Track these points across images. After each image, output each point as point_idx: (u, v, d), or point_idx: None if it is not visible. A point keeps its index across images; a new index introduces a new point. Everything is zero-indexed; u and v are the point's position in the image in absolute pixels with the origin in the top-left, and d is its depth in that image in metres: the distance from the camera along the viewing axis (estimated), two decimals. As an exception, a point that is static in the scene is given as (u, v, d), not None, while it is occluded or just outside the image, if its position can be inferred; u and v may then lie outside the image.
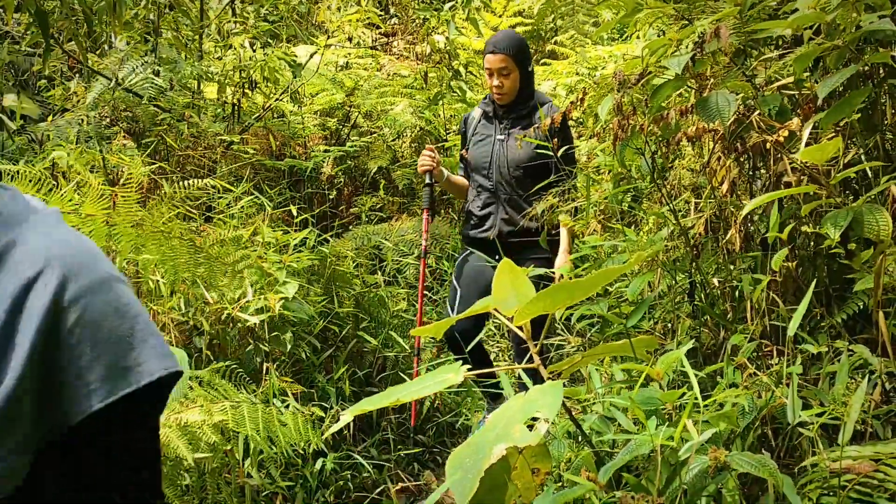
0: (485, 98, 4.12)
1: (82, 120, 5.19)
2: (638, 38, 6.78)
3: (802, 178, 2.61)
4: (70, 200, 2.94)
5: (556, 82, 7.39)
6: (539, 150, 3.81)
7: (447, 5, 5.86)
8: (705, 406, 2.16)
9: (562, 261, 3.90)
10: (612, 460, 2.08)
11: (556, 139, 3.65)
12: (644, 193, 4.47)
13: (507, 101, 3.95)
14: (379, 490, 3.80)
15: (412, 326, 4.65)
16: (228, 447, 2.89)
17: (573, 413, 2.96)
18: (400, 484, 3.73)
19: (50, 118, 5.43)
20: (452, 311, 4.08)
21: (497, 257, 3.83)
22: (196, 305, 3.71)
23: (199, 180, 3.16)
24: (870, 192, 2.25)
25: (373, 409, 1.86)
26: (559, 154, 3.72)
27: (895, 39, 2.44)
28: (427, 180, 4.13)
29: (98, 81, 5.14)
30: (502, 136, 3.99)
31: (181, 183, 3.54)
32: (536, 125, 3.91)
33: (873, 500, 1.85)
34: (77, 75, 5.97)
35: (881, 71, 2.58)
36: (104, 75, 5.16)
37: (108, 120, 5.48)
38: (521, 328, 1.87)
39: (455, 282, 4.15)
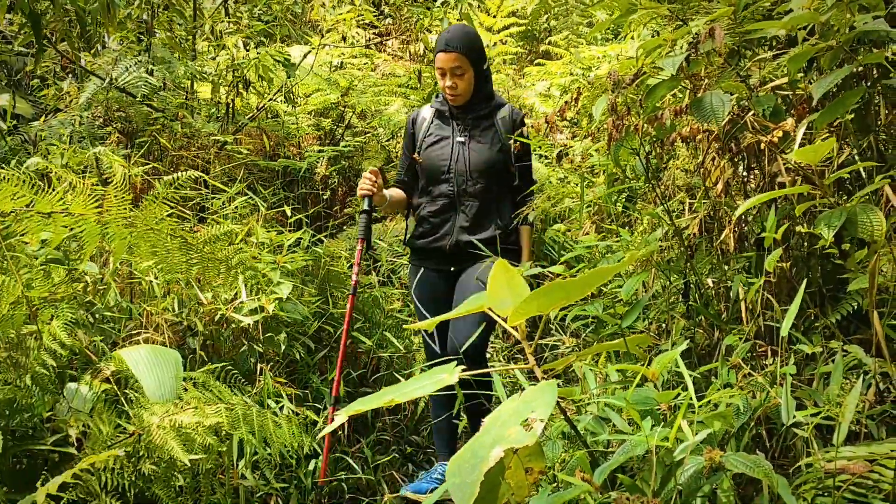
0: (437, 96, 3.80)
1: (75, 120, 5.17)
2: (633, 38, 6.80)
3: (796, 178, 2.61)
4: (61, 201, 2.93)
5: (551, 82, 7.39)
6: (504, 154, 3.67)
7: (439, 1, 5.86)
8: (700, 406, 2.16)
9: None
10: (606, 461, 2.08)
11: (518, 143, 3.57)
12: (638, 194, 4.48)
13: (462, 103, 3.66)
14: (367, 485, 3.79)
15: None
16: (223, 448, 2.89)
17: (568, 413, 2.96)
18: (389, 496, 3.72)
19: (42, 118, 5.42)
20: (434, 340, 3.78)
21: (451, 268, 3.74)
22: (190, 306, 3.70)
23: (189, 172, 3.13)
24: (863, 192, 2.25)
25: (366, 409, 1.86)
26: (521, 162, 3.68)
27: (889, 40, 2.44)
28: (365, 206, 3.68)
29: (91, 81, 5.12)
30: (462, 139, 3.68)
31: (173, 176, 3.53)
32: (499, 127, 3.69)
33: (868, 501, 1.85)
34: (70, 75, 5.96)
35: (875, 71, 2.58)
36: (97, 75, 5.15)
37: (101, 120, 5.47)
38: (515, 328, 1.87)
39: (421, 307, 3.82)
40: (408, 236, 3.90)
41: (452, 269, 3.73)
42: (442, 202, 3.70)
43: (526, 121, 3.77)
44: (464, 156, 3.65)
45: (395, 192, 3.83)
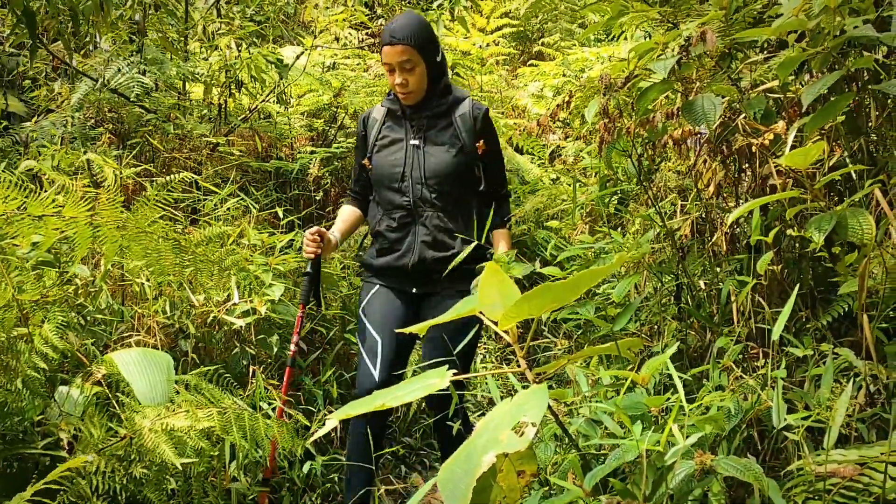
0: (388, 94, 3.33)
1: (67, 121, 5.15)
2: (625, 39, 6.81)
3: (787, 180, 2.62)
4: (52, 202, 2.92)
5: (544, 83, 7.40)
6: (466, 156, 3.22)
7: (434, 4, 5.86)
8: (691, 409, 2.17)
9: None
10: (598, 463, 2.09)
11: (481, 141, 3.22)
12: (630, 196, 4.49)
13: (415, 101, 3.19)
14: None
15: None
16: (215, 452, 2.88)
17: (560, 415, 2.96)
18: (384, 487, 3.72)
19: (34, 119, 5.40)
20: (375, 365, 3.21)
21: (415, 290, 3.29)
22: (182, 308, 3.70)
23: (181, 174, 3.13)
24: (853, 196, 2.26)
25: (357, 413, 1.86)
26: (487, 162, 3.29)
27: (879, 43, 2.45)
28: (308, 268, 3.32)
29: (83, 82, 5.11)
30: (417, 141, 3.21)
31: (165, 179, 3.52)
32: (458, 125, 3.22)
33: (858, 504, 1.86)
34: (61, 76, 5.94)
35: (865, 75, 2.59)
36: (89, 76, 5.13)
37: (92, 121, 5.45)
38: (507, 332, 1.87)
39: (370, 328, 3.28)
40: (363, 253, 3.50)
41: (416, 290, 3.29)
42: (398, 215, 3.23)
43: (492, 113, 3.50)
44: (419, 160, 3.19)
45: (342, 225, 3.42)
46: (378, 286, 3.32)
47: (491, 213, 3.24)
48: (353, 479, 3.24)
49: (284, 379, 3.29)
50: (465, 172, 3.22)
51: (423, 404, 4.43)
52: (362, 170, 3.36)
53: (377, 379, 3.13)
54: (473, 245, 3.07)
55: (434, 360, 3.07)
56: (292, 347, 3.31)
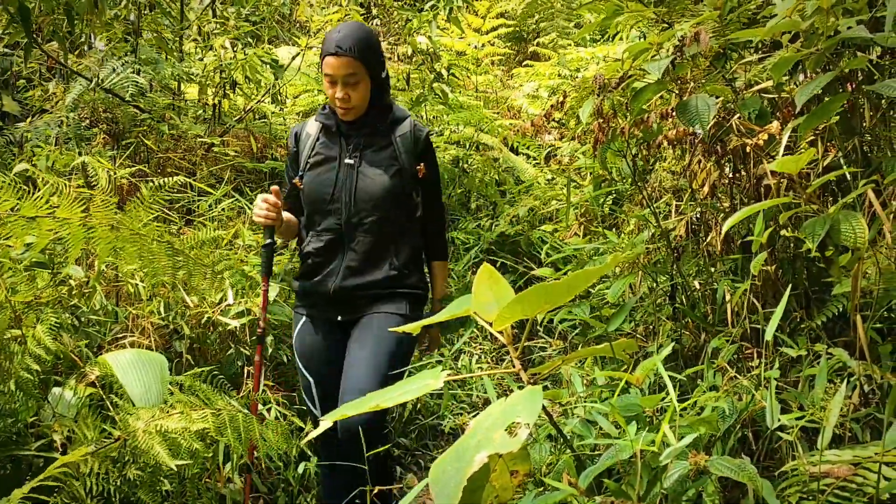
0: (323, 107, 3.08)
1: (61, 121, 5.15)
2: (621, 39, 6.82)
3: (782, 181, 2.62)
4: (46, 203, 2.91)
5: (539, 83, 7.40)
6: (404, 179, 3.01)
7: (428, 4, 5.86)
8: (685, 410, 2.17)
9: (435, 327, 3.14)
10: (593, 464, 2.09)
11: (421, 165, 3.03)
12: (625, 196, 4.49)
13: (355, 117, 2.96)
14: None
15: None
16: (209, 454, 2.88)
17: (555, 415, 2.96)
18: (378, 487, 3.72)
19: (28, 119, 5.39)
20: (315, 405, 3.08)
21: (339, 318, 3.03)
22: (176, 309, 3.69)
23: (173, 178, 3.11)
24: (845, 199, 2.26)
25: (352, 414, 1.86)
26: (426, 188, 3.09)
27: (872, 44, 2.46)
28: (266, 238, 3.02)
29: (77, 82, 5.10)
30: (352, 160, 2.97)
31: (159, 181, 3.51)
32: (397, 145, 3.01)
33: (852, 504, 1.86)
34: (56, 76, 5.93)
35: (859, 75, 2.60)
36: (84, 76, 5.12)
37: (87, 121, 5.44)
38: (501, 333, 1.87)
39: (301, 367, 3.10)
40: (291, 276, 3.23)
41: (340, 318, 3.03)
42: (327, 238, 2.99)
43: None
44: (352, 181, 2.95)
45: (288, 217, 3.11)
46: (304, 318, 3.09)
47: (429, 241, 3.16)
48: None
49: (256, 359, 3.05)
50: (402, 196, 3.00)
51: (419, 405, 4.43)
52: (292, 189, 3.06)
53: (319, 415, 3.02)
54: (403, 270, 2.99)
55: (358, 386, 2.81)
56: (260, 324, 3.05)
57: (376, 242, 2.95)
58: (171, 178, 2.98)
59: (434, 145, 3.24)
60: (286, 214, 3.05)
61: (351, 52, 2.81)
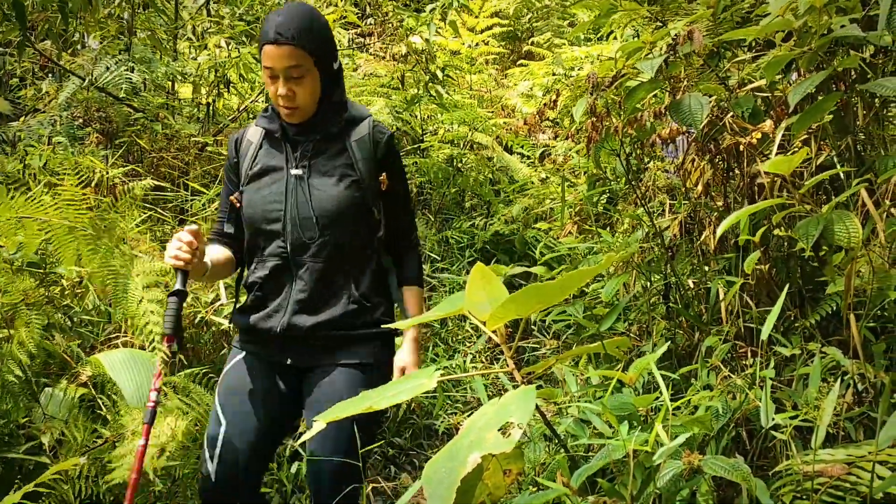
0: (265, 110, 2.55)
1: (54, 121, 5.13)
2: (615, 38, 6.82)
3: (776, 179, 2.62)
4: (40, 203, 2.91)
5: (533, 82, 7.40)
6: (363, 192, 2.43)
7: (428, 7, 5.85)
8: (679, 409, 2.17)
9: (410, 359, 2.50)
10: (587, 463, 2.08)
11: (383, 174, 2.48)
12: (619, 195, 4.49)
13: (302, 119, 2.43)
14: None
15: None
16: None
17: (549, 415, 2.96)
18: (372, 484, 3.71)
19: (22, 119, 5.37)
20: (213, 458, 2.35)
21: (288, 361, 2.44)
22: (169, 309, 3.67)
23: (169, 178, 3.11)
24: (838, 198, 2.26)
25: (346, 415, 1.85)
26: (390, 201, 2.52)
27: (865, 42, 2.46)
28: (178, 284, 2.29)
29: (70, 81, 5.08)
30: (300, 171, 2.42)
31: (141, 183, 3.50)
32: (353, 152, 2.46)
33: (845, 503, 1.86)
34: (49, 75, 5.91)
35: (852, 74, 2.60)
36: (77, 75, 5.11)
37: (80, 120, 5.43)
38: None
39: (217, 407, 2.43)
40: (233, 309, 2.62)
41: (290, 362, 2.45)
42: (273, 265, 2.44)
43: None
44: (301, 195, 2.41)
45: (217, 255, 2.49)
46: (244, 354, 2.49)
47: (398, 265, 2.60)
48: None
49: (138, 450, 2.17)
50: (361, 212, 2.45)
51: (413, 405, 4.43)
52: (231, 209, 2.53)
53: (213, 478, 2.33)
54: (365, 302, 2.43)
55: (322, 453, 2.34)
56: (151, 397, 2.21)
57: (329, 269, 2.41)
58: (160, 182, 2.96)
59: (400, 149, 2.91)
60: (217, 254, 2.48)
61: (294, 39, 2.29)
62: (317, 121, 2.44)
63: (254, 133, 2.54)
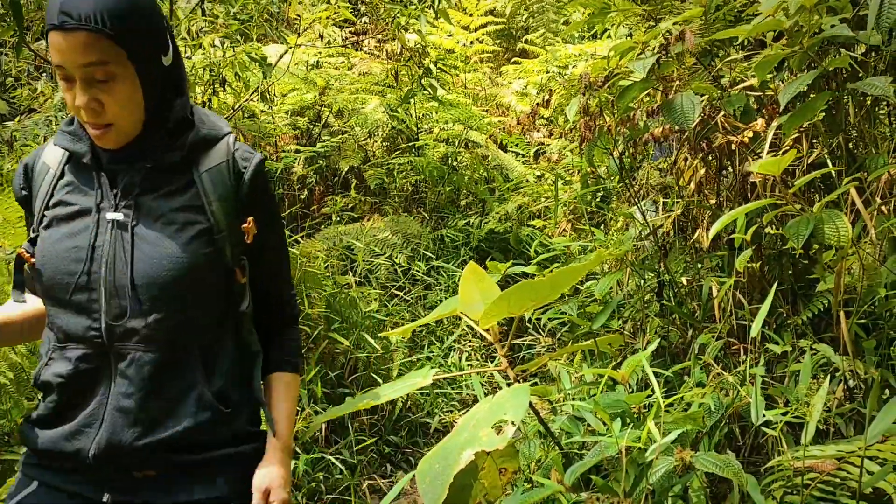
0: (69, 122, 1.65)
1: (50, 121, 5.13)
2: (609, 36, 6.84)
3: (767, 178, 2.64)
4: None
5: (527, 80, 7.42)
6: (217, 247, 1.61)
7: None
8: (671, 406, 2.19)
9: (275, 476, 1.64)
10: (580, 461, 2.10)
11: (249, 219, 1.65)
12: (613, 193, 4.51)
13: (120, 142, 1.58)
14: (346, 487, 3.80)
15: (384, 327, 4.65)
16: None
17: (543, 412, 2.98)
18: (369, 482, 3.73)
19: (17, 119, 5.37)
20: None
21: (105, 499, 1.57)
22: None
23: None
24: (828, 197, 2.28)
25: (343, 414, 1.87)
26: (256, 253, 1.68)
27: (856, 42, 2.48)
28: None
29: (65, 81, 5.08)
30: (121, 214, 1.59)
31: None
32: (203, 187, 1.63)
33: (836, 499, 1.88)
34: (44, 75, 5.91)
35: (843, 73, 2.62)
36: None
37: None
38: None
39: None
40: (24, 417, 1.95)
41: (108, 500, 1.57)
42: (79, 353, 1.56)
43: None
44: (122, 253, 1.56)
45: (7, 315, 1.69)
46: (35, 484, 1.61)
47: (269, 347, 1.77)
48: None
49: None
50: (214, 277, 1.62)
51: (409, 402, 4.45)
52: (21, 263, 1.66)
53: None
54: (222, 406, 1.60)
55: None
56: None
57: (167, 362, 1.57)
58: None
59: (270, 178, 2.00)
60: (6, 312, 1.69)
61: (91, 22, 1.44)
62: (145, 144, 1.60)
63: (51, 155, 1.68)
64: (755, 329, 2.03)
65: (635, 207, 3.29)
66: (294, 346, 1.79)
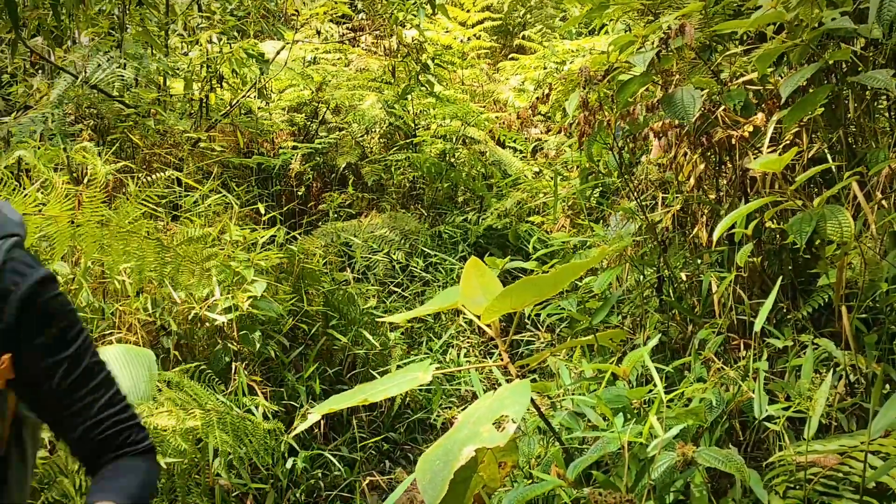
0: None
1: (46, 118, 5.11)
2: (607, 31, 6.82)
3: (767, 173, 2.63)
4: (34, 201, 2.90)
5: (525, 76, 7.40)
6: None
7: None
8: (672, 401, 2.18)
9: None
10: (581, 456, 2.10)
11: (7, 355, 1.16)
12: (612, 189, 4.49)
13: None
14: (345, 484, 3.79)
15: (381, 324, 4.64)
16: (198, 455, 2.87)
17: (544, 408, 2.97)
18: (369, 478, 3.72)
19: (13, 115, 5.35)
20: None
21: None
22: (163, 305, 3.67)
23: (163, 173, 3.09)
24: (830, 191, 2.27)
25: (340, 407, 1.86)
26: (56, 388, 1.22)
27: (856, 35, 2.47)
28: None
29: (62, 78, 5.07)
30: None
31: (146, 178, 3.49)
32: None
33: (839, 493, 1.87)
34: (40, 71, 5.89)
35: (843, 66, 2.61)
36: (69, 71, 5.09)
37: (72, 117, 5.41)
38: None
39: None
40: None
41: None
42: None
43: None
44: None
45: None
46: None
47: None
48: None
49: None
50: None
51: (408, 399, 4.44)
52: None
53: None
54: None
55: None
56: None
57: None
58: (160, 174, 2.94)
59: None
60: None
61: None
62: None
63: None
64: (759, 323, 2.02)
65: (634, 202, 3.28)
66: (132, 481, 1.24)
